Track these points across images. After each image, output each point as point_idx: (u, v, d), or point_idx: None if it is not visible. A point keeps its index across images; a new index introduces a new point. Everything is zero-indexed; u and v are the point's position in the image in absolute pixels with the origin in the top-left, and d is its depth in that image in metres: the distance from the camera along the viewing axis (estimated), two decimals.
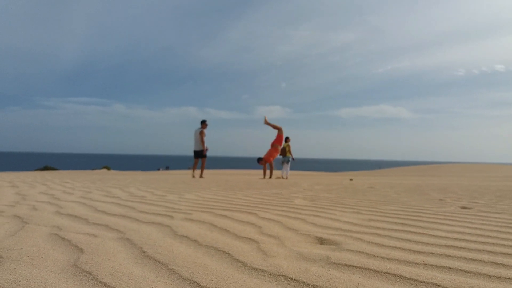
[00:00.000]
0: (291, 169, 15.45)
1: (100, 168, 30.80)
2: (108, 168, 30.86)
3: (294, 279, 1.85)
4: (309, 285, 1.78)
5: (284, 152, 14.59)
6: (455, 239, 2.78)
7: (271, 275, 1.91)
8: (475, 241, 2.71)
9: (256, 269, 2.01)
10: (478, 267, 2.08)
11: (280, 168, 14.97)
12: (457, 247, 2.54)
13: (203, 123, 13.01)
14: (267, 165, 13.71)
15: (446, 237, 2.83)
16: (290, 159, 14.70)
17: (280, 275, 1.91)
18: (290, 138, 14.71)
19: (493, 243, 2.66)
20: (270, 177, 13.51)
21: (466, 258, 2.26)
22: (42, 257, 2.15)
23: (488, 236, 2.90)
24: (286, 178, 14.07)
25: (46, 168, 28.39)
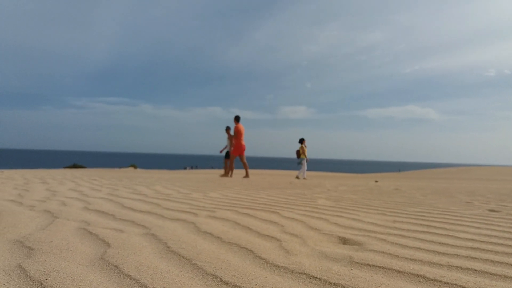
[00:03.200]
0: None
1: (127, 167, 31.37)
2: (135, 167, 31.39)
3: (315, 277, 1.85)
4: (331, 283, 1.78)
5: (299, 153, 15.09)
6: (481, 241, 2.73)
7: (292, 272, 1.93)
8: (502, 244, 2.65)
9: (278, 266, 2.02)
10: (505, 270, 2.04)
11: (298, 169, 15.17)
12: (483, 249, 2.49)
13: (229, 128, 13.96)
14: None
15: (472, 240, 2.78)
16: (304, 160, 15.08)
17: (301, 272, 1.92)
18: (305, 139, 15.25)
19: None
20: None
21: (492, 260, 2.22)
22: (71, 250, 2.22)
23: None
24: (305, 178, 14.41)
25: (74, 166, 29.10)
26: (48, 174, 10.68)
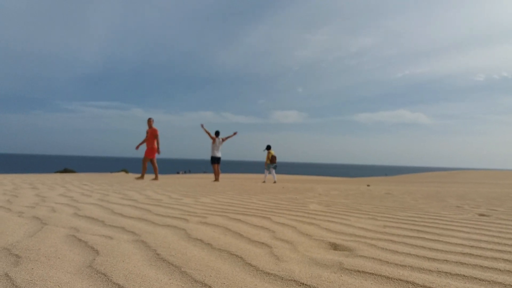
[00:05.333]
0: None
1: (118, 171, 31.19)
2: (126, 171, 31.21)
3: (305, 284, 1.85)
4: None
5: (275, 159, 16.29)
6: (471, 246, 2.74)
7: (282, 279, 1.92)
8: (491, 249, 2.67)
9: (268, 273, 2.01)
10: (494, 276, 2.05)
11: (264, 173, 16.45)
12: (473, 254, 2.50)
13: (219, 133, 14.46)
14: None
15: (462, 245, 2.79)
16: (275, 165, 16.31)
17: (291, 280, 1.91)
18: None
19: (510, 252, 2.61)
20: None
21: (481, 266, 2.23)
22: (59, 257, 2.20)
23: (505, 244, 2.84)
24: (264, 182, 15.37)
25: (65, 171, 28.87)
26: (38, 179, 10.58)
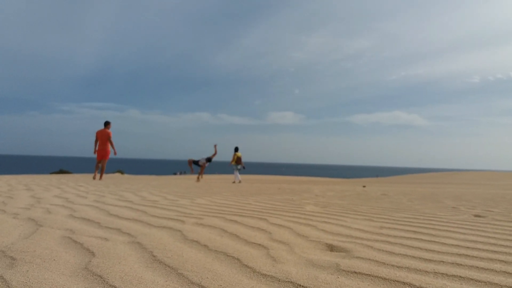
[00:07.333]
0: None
1: (113, 172, 31.09)
2: (122, 172, 31.10)
3: (302, 286, 1.84)
4: None
5: (240, 160, 17.43)
6: (467, 247, 2.75)
7: (279, 281, 1.92)
8: (487, 250, 2.68)
9: (265, 275, 2.01)
10: (490, 277, 2.05)
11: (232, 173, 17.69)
12: (468, 255, 2.51)
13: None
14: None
15: (458, 246, 2.80)
16: (240, 166, 17.54)
17: (288, 281, 1.91)
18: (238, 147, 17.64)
19: (506, 252, 2.62)
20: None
21: (477, 267, 2.23)
22: (54, 259, 2.18)
23: (501, 245, 2.85)
24: (239, 182, 16.47)
25: (61, 172, 28.74)
26: (33, 180, 10.52)
